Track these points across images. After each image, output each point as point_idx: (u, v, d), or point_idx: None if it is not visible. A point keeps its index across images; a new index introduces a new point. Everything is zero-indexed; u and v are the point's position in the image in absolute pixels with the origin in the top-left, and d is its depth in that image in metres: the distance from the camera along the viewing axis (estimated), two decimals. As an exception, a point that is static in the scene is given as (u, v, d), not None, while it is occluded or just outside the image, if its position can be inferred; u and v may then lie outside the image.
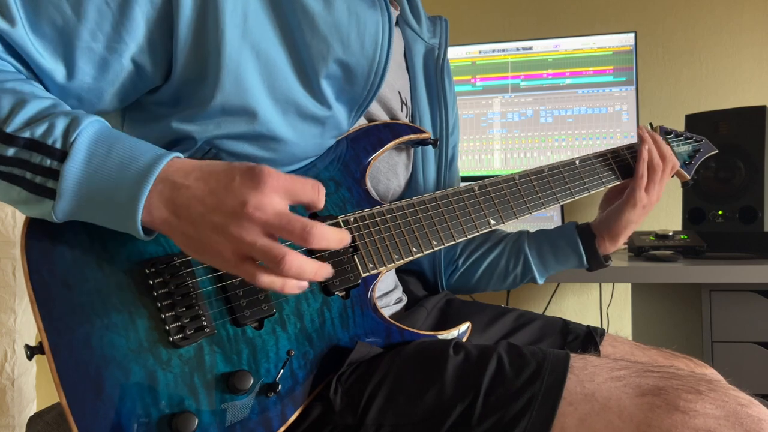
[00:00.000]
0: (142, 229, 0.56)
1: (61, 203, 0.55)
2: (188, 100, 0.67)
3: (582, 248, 0.98)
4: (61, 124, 0.56)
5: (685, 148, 1.07)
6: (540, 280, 1.02)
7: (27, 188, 0.55)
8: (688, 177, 1.06)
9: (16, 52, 0.60)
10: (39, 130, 0.55)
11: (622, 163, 0.98)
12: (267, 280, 0.55)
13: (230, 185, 0.54)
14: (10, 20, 0.58)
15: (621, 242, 0.98)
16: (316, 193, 0.56)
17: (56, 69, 0.62)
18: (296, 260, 0.53)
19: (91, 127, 0.56)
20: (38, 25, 0.60)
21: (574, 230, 0.99)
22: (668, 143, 1.04)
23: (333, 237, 0.56)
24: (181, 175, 0.56)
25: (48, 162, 0.55)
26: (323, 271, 0.56)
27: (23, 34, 0.59)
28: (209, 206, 0.54)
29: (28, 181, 0.55)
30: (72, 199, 0.55)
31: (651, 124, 1.08)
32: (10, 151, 0.55)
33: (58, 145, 0.55)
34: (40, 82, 0.63)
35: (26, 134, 0.55)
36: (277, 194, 0.55)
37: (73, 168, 0.54)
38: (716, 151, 1.12)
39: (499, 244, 1.03)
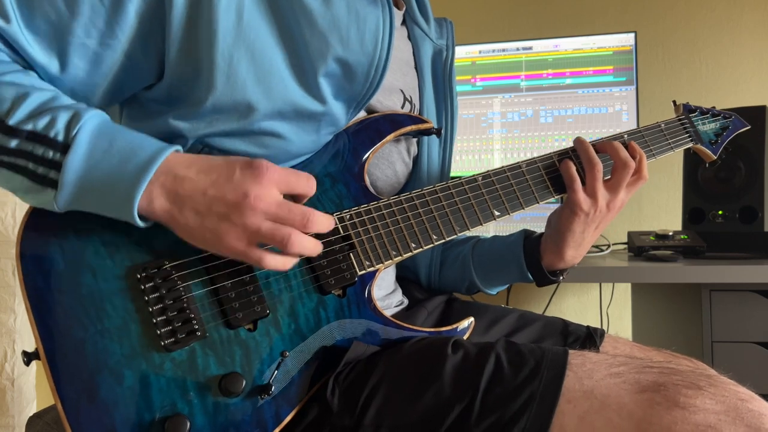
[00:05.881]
0: (140, 218, 0.58)
1: (63, 193, 0.57)
2: (182, 99, 0.68)
3: (523, 258, 0.89)
4: (63, 117, 0.57)
5: (711, 126, 1.00)
6: (486, 289, 0.97)
7: (30, 178, 0.57)
8: (714, 156, 0.98)
9: (11, 47, 0.62)
10: (41, 123, 0.57)
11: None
12: (272, 262, 0.61)
13: (231, 177, 0.59)
14: (5, 17, 0.59)
15: (569, 256, 0.85)
16: (310, 187, 0.63)
17: (50, 63, 0.63)
18: (299, 238, 0.60)
19: (92, 120, 0.58)
20: (32, 20, 0.61)
21: (520, 238, 0.92)
22: (691, 122, 0.99)
23: (326, 223, 0.63)
24: (183, 167, 0.59)
25: (50, 154, 0.57)
26: (319, 248, 0.63)
27: (17, 30, 0.60)
28: (212, 197, 0.58)
29: (31, 171, 0.57)
30: (73, 190, 0.57)
31: (674, 102, 1.03)
32: (13, 143, 0.57)
33: (60, 138, 0.57)
34: (35, 72, 0.64)
35: (29, 126, 0.57)
36: (276, 186, 0.60)
37: (75, 160, 0.56)
38: (749, 127, 1.04)
39: (450, 247, 0.99)
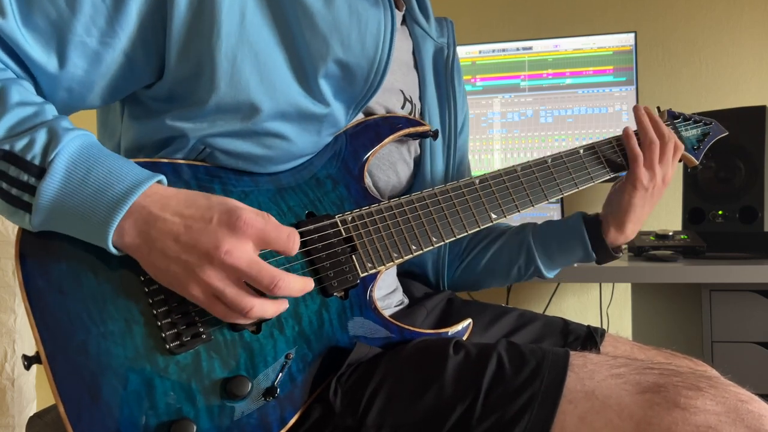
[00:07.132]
0: (115, 248, 0.58)
1: (36, 217, 0.56)
2: (183, 98, 0.68)
3: (587, 237, 0.94)
4: (41, 139, 0.56)
5: (693, 133, 1.04)
6: (547, 273, 0.99)
7: (3, 198, 0.57)
8: (696, 162, 1.02)
9: (5, 44, 0.61)
10: (19, 144, 0.56)
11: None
12: (232, 319, 0.59)
13: (207, 226, 0.57)
14: (1, 12, 0.59)
15: (629, 231, 0.93)
16: (289, 244, 0.59)
17: (48, 61, 0.62)
18: (260, 309, 0.58)
19: (71, 144, 0.57)
20: (31, 17, 0.60)
21: (580, 219, 0.96)
22: (675, 129, 1.02)
23: (297, 287, 0.60)
24: (159, 206, 0.57)
25: (25, 177, 0.56)
26: (282, 307, 0.61)
27: (14, 26, 0.60)
28: (183, 244, 0.56)
29: (4, 191, 0.57)
30: (47, 215, 0.56)
31: (658, 108, 1.06)
32: None
33: (36, 162, 0.56)
34: (31, 74, 0.63)
35: (6, 146, 0.56)
36: (251, 241, 0.57)
37: (50, 187, 0.55)
38: (726, 133, 1.08)
39: (502, 236, 1.01)
